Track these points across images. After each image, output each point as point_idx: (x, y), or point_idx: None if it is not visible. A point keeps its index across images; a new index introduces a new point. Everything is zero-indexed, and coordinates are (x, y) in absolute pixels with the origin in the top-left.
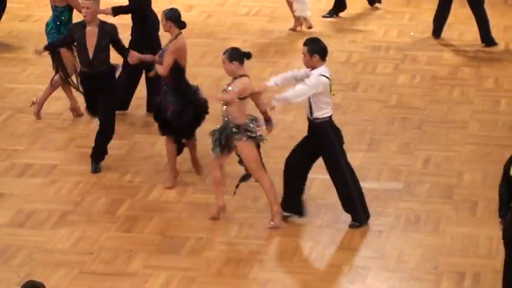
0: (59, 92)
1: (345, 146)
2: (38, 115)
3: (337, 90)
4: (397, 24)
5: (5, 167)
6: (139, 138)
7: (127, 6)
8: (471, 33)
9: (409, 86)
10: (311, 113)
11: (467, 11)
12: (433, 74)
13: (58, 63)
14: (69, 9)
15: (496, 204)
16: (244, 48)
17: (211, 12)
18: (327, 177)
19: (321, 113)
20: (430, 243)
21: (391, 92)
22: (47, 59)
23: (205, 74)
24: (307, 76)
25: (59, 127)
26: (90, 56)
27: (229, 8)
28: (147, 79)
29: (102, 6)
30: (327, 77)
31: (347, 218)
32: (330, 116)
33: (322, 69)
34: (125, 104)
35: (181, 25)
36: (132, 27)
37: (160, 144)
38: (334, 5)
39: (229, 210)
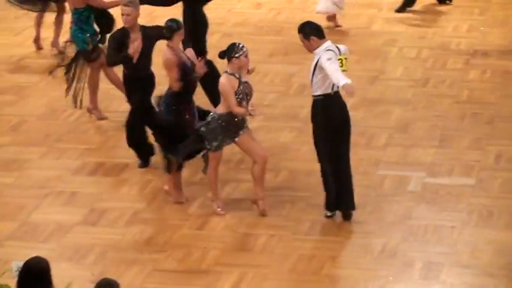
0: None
1: (415, 142)
2: (100, 117)
3: (408, 86)
4: (467, 19)
5: (77, 166)
6: None
7: None
8: None
9: (480, 81)
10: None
11: None
12: (504, 68)
13: (75, 73)
14: (88, 8)
15: None
16: None
17: (280, 9)
18: (400, 173)
19: (318, 92)
20: (503, 239)
21: (462, 87)
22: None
23: (275, 71)
24: None
25: None
26: (134, 61)
27: (298, 5)
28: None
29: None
30: (331, 49)
31: (420, 214)
32: (326, 95)
33: (326, 44)
34: None
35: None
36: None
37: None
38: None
39: (300, 208)
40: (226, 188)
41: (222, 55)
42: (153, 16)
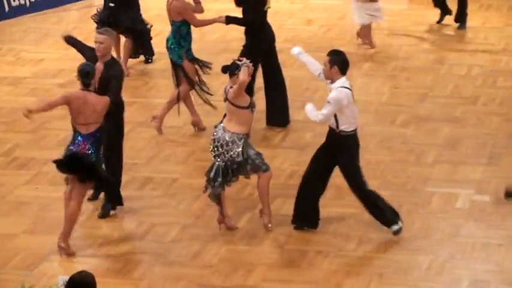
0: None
1: (465, 160)
2: (159, 130)
3: (457, 104)
4: None
5: (126, 180)
6: (259, 151)
7: (242, 19)
8: None
9: None
10: (337, 125)
11: None
12: None
13: (184, 75)
14: (186, 23)
15: None
16: (364, 61)
17: (331, 25)
18: (448, 190)
19: (346, 126)
20: None
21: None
22: (166, 73)
23: (324, 88)
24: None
25: (179, 141)
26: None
27: (348, 21)
28: (267, 93)
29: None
30: (347, 87)
31: (467, 231)
32: (355, 130)
33: (342, 80)
34: None
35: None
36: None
37: (281, 158)
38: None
39: (350, 224)
40: (275, 203)
41: (224, 70)
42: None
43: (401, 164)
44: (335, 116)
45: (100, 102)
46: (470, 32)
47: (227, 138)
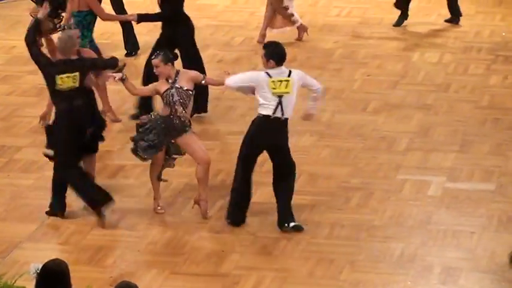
0: None
1: (436, 147)
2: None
3: (429, 91)
4: (489, 25)
5: (98, 168)
6: (230, 139)
7: (155, 15)
8: None
9: (501, 86)
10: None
11: None
12: None
13: None
14: (92, 13)
15: None
16: (336, 49)
17: (303, 13)
18: (420, 177)
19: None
20: None
21: (483, 92)
22: None
23: None
24: None
25: None
26: None
27: (320, 9)
28: None
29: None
30: (268, 74)
31: (439, 219)
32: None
33: (275, 71)
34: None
35: None
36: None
37: None
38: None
39: (321, 212)
40: None
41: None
42: None
43: (372, 151)
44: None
45: None
46: (442, 19)
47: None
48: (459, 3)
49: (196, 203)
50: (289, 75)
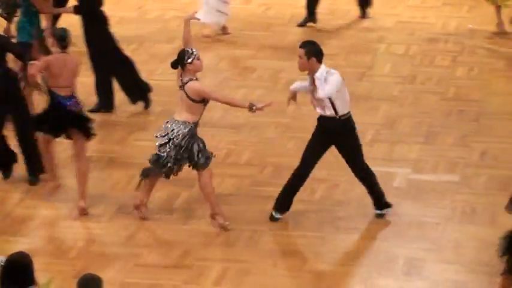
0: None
1: (402, 139)
2: None
3: (395, 83)
4: (456, 17)
5: (65, 157)
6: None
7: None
8: None
9: (467, 78)
10: (336, 112)
11: None
12: (491, 66)
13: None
14: None
15: None
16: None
17: (270, 4)
18: (385, 169)
19: (344, 110)
20: (486, 235)
21: (449, 84)
22: None
23: (263, 67)
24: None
25: (118, 120)
26: None
27: (288, 1)
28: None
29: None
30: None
31: (404, 210)
32: (350, 112)
33: (323, 68)
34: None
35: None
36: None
37: (220, 136)
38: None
39: None
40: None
41: (174, 65)
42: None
43: None
44: (332, 103)
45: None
46: (409, 11)
47: (174, 126)
48: None
49: (213, 217)
50: None
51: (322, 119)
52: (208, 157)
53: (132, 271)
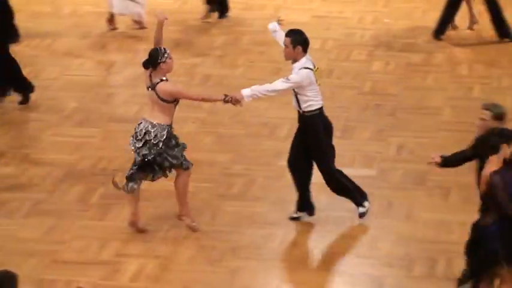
0: None
1: None
2: None
3: None
4: (372, 11)
5: None
6: (113, 126)
7: None
8: None
9: (383, 72)
10: (299, 106)
11: None
12: (407, 60)
13: None
14: None
15: (468, 191)
16: (218, 35)
17: (188, 0)
18: None
19: (307, 105)
20: (402, 230)
21: (365, 78)
22: None
23: (179, 62)
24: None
25: (32, 117)
26: None
27: None
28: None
29: None
30: (309, 68)
31: (321, 205)
32: (319, 108)
33: (303, 61)
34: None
35: None
36: None
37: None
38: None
39: (203, 199)
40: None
41: (146, 64)
42: None
43: (255, 138)
44: (295, 96)
45: None
46: (325, 6)
47: (150, 128)
48: None
49: (180, 218)
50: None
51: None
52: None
53: (48, 267)
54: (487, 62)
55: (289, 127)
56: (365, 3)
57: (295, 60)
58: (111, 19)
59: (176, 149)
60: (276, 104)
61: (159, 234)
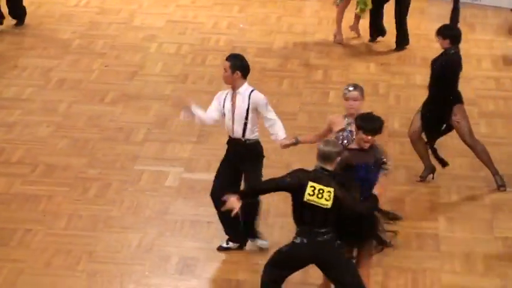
0: None
1: (174, 138)
2: None
3: (167, 82)
4: (227, 16)
5: None
6: None
7: None
8: (299, 25)
9: None
10: (243, 134)
11: (297, 3)
12: (263, 65)
13: None
14: None
15: None
16: (73, 39)
17: (41, 3)
18: (157, 168)
19: (254, 134)
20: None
21: (220, 83)
22: None
23: (33, 65)
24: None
25: None
26: None
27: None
28: None
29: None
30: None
31: (176, 209)
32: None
33: (246, 86)
34: None
35: None
36: None
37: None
38: None
39: (58, 202)
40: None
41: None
42: None
43: (110, 142)
44: (245, 124)
45: None
46: (180, 11)
47: None
48: None
49: None
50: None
51: (229, 138)
52: None
53: None
54: (343, 67)
55: (145, 131)
56: (220, 9)
57: (234, 86)
58: None
59: None
60: (131, 108)
61: (14, 237)
